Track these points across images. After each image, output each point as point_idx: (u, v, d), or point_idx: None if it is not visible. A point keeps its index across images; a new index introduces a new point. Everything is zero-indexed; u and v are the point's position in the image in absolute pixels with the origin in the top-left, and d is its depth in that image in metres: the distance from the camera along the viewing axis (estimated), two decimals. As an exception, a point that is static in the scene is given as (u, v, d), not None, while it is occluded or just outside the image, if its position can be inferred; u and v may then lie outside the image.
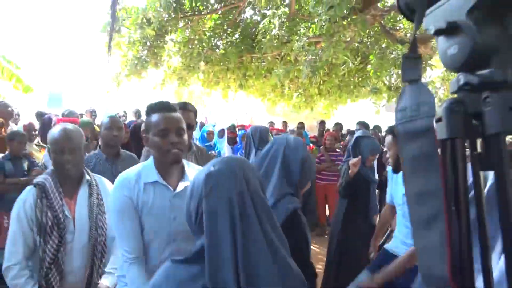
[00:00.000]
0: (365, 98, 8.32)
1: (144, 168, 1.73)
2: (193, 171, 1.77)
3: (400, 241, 2.47)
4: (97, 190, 2.02)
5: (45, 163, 3.75)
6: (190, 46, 6.88)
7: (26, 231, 1.81)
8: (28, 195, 1.88)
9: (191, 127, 2.43)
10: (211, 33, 7.17)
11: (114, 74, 6.58)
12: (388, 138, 2.58)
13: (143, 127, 4.81)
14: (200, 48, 6.82)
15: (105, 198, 2.03)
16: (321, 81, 7.16)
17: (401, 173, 2.53)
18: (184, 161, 1.81)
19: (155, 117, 1.69)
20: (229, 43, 7.00)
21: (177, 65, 7.30)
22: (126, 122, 5.65)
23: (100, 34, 6.00)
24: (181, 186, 1.70)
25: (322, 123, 7.15)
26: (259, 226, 0.93)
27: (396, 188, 2.64)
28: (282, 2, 6.60)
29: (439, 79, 7.71)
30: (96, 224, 1.95)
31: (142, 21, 5.80)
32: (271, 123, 8.31)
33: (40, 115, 5.04)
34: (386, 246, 2.64)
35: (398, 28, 7.54)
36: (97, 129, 4.54)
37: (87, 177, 2.02)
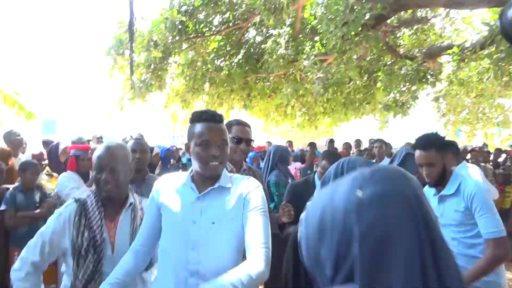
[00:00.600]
0: (368, 114, 8.31)
1: (180, 174, 1.72)
2: (227, 178, 1.65)
3: None
4: (142, 215, 1.85)
5: (58, 193, 3.54)
6: (193, 68, 6.81)
7: (46, 242, 1.67)
8: (65, 210, 1.75)
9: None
10: (215, 55, 7.11)
11: (117, 98, 6.44)
12: (432, 153, 2.26)
13: (155, 151, 4.61)
14: (204, 69, 6.75)
15: None
16: (326, 99, 7.11)
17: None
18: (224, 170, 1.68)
19: (198, 126, 1.59)
20: (233, 64, 6.94)
21: (180, 88, 7.21)
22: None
23: (104, 58, 5.89)
24: (208, 189, 1.58)
25: (331, 141, 7.07)
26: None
27: None
28: (286, 21, 6.59)
29: (441, 94, 7.73)
30: None
31: (148, 44, 5.71)
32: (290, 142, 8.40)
33: (46, 143, 4.85)
34: None
35: (399, 44, 7.60)
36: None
37: (132, 199, 1.85)
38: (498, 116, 7.57)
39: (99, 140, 5.91)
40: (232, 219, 1.56)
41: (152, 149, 4.98)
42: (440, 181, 2.27)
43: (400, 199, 0.70)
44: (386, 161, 5.47)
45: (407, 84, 5.58)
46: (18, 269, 1.64)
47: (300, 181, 2.89)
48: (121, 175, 1.79)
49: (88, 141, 5.28)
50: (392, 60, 7.00)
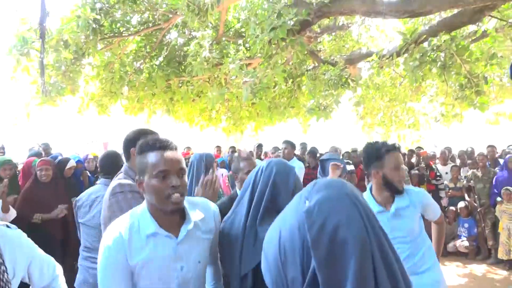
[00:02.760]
0: (292, 118, 8.43)
1: (139, 218, 1.46)
2: (196, 211, 1.56)
3: None
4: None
5: None
6: (110, 70, 6.33)
7: None
8: None
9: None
10: (134, 56, 6.69)
11: (22, 104, 5.74)
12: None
13: (70, 164, 4.17)
14: (122, 72, 6.30)
15: (15, 254, 1.49)
16: (252, 103, 7.06)
17: None
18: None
19: (149, 155, 1.43)
20: (153, 67, 6.58)
21: (95, 91, 6.66)
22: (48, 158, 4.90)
23: (4, 59, 5.19)
24: (183, 231, 1.48)
25: (259, 146, 7.03)
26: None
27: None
28: (209, 24, 6.41)
29: (359, 98, 8.10)
30: None
31: (57, 44, 5.15)
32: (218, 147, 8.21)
33: None
34: None
35: (319, 49, 7.82)
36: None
37: None
38: (409, 118, 8.12)
39: (1, 151, 5.21)
40: (210, 253, 1.63)
41: (67, 160, 4.49)
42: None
43: (343, 199, 0.75)
44: (293, 161, 5.65)
45: (331, 89, 5.70)
46: None
47: (224, 200, 2.75)
48: None
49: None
50: (314, 65, 7.17)
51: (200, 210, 1.59)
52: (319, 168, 4.06)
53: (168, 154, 1.43)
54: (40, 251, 1.65)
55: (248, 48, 6.31)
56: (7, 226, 1.55)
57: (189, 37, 6.75)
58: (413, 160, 7.42)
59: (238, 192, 2.74)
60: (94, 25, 5.41)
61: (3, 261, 1.42)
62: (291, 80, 6.86)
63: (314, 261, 0.70)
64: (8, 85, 5.79)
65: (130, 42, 6.57)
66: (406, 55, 5.12)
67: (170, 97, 6.92)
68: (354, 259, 0.68)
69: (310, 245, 0.71)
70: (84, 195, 2.97)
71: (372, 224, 0.74)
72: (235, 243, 1.65)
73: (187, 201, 1.56)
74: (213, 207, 1.69)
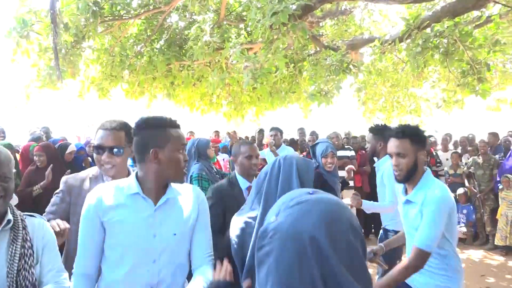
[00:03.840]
0: (293, 103, 8.41)
1: (124, 181, 1.61)
2: (177, 189, 1.66)
3: None
4: (26, 236, 1.49)
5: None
6: (111, 54, 6.29)
7: None
8: None
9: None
10: (134, 40, 6.64)
11: (22, 86, 5.73)
12: (405, 143, 2.16)
13: (70, 148, 4.22)
14: (123, 55, 6.27)
15: (38, 241, 1.54)
16: (253, 88, 7.02)
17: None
18: None
19: (175, 132, 1.63)
20: (154, 50, 6.54)
21: (96, 75, 6.64)
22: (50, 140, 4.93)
23: (4, 40, 5.16)
24: (163, 199, 1.57)
25: (261, 131, 7.04)
26: None
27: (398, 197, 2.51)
28: (211, 7, 6.35)
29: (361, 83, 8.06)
30: (17, 282, 1.41)
31: (57, 26, 5.11)
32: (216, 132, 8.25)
33: None
34: None
35: (321, 34, 7.75)
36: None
37: (10, 216, 1.48)
38: (410, 104, 8.10)
39: (1, 135, 5.22)
40: (189, 230, 1.62)
41: (67, 145, 4.52)
42: (408, 177, 2.19)
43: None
44: (282, 148, 5.73)
45: (332, 74, 5.67)
46: None
47: (223, 182, 2.80)
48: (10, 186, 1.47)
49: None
50: (316, 50, 7.11)
51: (181, 189, 1.68)
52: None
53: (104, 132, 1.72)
54: (56, 247, 1.66)
55: (250, 33, 6.26)
56: (31, 216, 1.61)
57: (190, 20, 6.68)
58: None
59: (237, 174, 2.79)
60: (94, 8, 5.35)
61: (31, 245, 1.48)
62: (292, 65, 6.81)
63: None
64: (8, 68, 5.77)
65: (131, 25, 6.50)
66: (408, 41, 5.08)
67: (170, 81, 6.89)
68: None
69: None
70: None
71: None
72: (248, 238, 1.68)
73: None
74: (196, 189, 1.75)
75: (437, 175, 6.82)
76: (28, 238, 1.49)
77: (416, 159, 2.14)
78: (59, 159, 4.22)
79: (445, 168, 6.93)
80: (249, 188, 2.72)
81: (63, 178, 2.07)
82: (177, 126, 1.61)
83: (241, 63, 5.19)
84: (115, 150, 1.94)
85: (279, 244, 0.75)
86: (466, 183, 6.77)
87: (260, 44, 5.53)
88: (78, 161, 4.67)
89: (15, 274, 1.39)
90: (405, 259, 2.09)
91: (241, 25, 7.04)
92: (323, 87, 6.14)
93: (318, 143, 3.78)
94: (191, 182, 3.82)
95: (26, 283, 1.41)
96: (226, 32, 6.37)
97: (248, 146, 2.80)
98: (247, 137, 9.11)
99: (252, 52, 5.85)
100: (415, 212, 2.15)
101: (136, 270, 1.52)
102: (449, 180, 6.84)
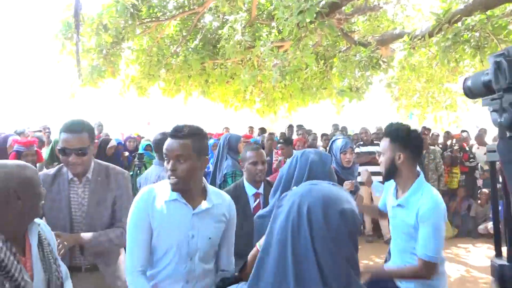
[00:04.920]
0: (325, 99, 8.45)
1: (165, 186, 1.75)
2: (215, 197, 1.82)
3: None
4: (44, 235, 1.64)
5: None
6: (148, 54, 6.63)
7: None
8: None
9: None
10: (170, 40, 6.95)
11: (68, 85, 6.17)
12: (385, 142, 2.21)
13: (111, 143, 4.54)
14: (160, 55, 6.59)
15: (48, 237, 1.68)
16: (284, 85, 7.16)
17: (391, 183, 2.37)
18: (204, 181, 1.84)
19: (166, 142, 1.73)
20: (189, 50, 6.81)
21: (135, 74, 7.01)
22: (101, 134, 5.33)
23: (52, 42, 5.58)
24: (202, 206, 1.74)
25: (290, 127, 7.17)
26: None
27: (388, 199, 2.42)
28: (243, 7, 6.53)
29: (395, 79, 7.98)
30: (54, 275, 1.59)
31: (98, 28, 5.48)
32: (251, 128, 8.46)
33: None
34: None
35: (353, 30, 7.74)
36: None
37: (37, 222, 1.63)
38: (446, 100, 7.92)
39: (46, 130, 5.65)
40: (220, 235, 1.81)
41: (108, 141, 4.86)
42: (386, 175, 2.24)
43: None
44: None
45: (361, 70, 5.70)
46: None
47: (230, 188, 2.79)
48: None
49: (39, 131, 5.05)
50: (347, 47, 7.13)
51: (218, 197, 1.84)
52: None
53: (169, 142, 1.69)
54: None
55: (280, 31, 6.39)
56: None
57: (223, 20, 6.90)
58: (449, 142, 7.31)
59: (244, 180, 2.76)
60: (132, 10, 5.68)
61: (48, 243, 1.65)
62: (322, 61, 6.88)
63: None
64: (54, 68, 6.21)
65: (167, 27, 6.81)
66: (439, 35, 5.03)
67: (205, 79, 7.15)
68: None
69: None
70: (148, 175, 3.30)
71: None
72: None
73: (210, 187, 1.85)
74: (228, 198, 1.90)
75: (470, 170, 6.69)
76: (46, 237, 1.64)
77: (394, 158, 2.15)
78: (100, 153, 4.56)
79: (480, 164, 6.76)
80: (255, 195, 2.71)
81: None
82: (171, 136, 1.72)
83: (270, 61, 5.34)
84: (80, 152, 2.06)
85: (287, 208, 0.92)
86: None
87: (290, 41, 5.65)
88: (117, 155, 4.99)
89: (51, 269, 1.57)
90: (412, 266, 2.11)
91: (273, 24, 7.18)
92: (353, 83, 6.18)
93: (337, 138, 3.81)
94: (225, 180, 3.84)
95: (57, 274, 1.60)
96: (257, 31, 6.54)
97: (254, 152, 2.73)
98: (282, 133, 9.23)
99: (283, 50, 5.98)
100: (405, 217, 2.14)
101: (175, 266, 1.70)
102: (483, 175, 6.68)
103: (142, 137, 6.86)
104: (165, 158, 1.69)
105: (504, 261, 0.90)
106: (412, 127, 2.22)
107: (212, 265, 1.83)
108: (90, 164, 2.20)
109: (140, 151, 4.94)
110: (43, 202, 1.59)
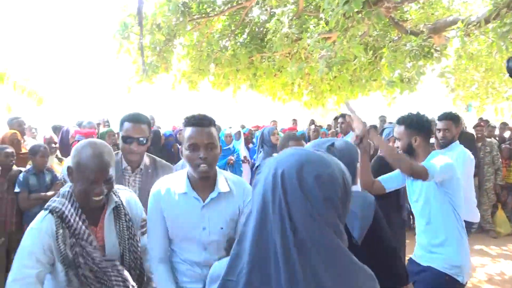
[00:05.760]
0: (376, 91, 8.25)
1: (177, 178, 1.79)
2: (225, 185, 1.78)
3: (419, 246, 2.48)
4: (125, 210, 1.75)
5: (64, 177, 3.71)
6: (199, 49, 6.84)
7: (41, 259, 1.50)
8: (42, 224, 1.54)
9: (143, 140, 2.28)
10: (219, 35, 7.12)
11: (125, 81, 6.55)
12: (400, 128, 2.48)
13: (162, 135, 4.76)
14: (209, 50, 6.78)
15: (134, 213, 1.82)
16: (332, 77, 7.08)
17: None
18: (218, 170, 1.82)
19: (187, 131, 1.71)
20: (238, 44, 6.95)
21: (186, 69, 7.27)
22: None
23: (112, 41, 5.96)
24: (209, 197, 1.74)
25: (336, 119, 7.12)
26: None
27: (412, 184, 2.53)
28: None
29: (450, 69, 7.62)
30: (129, 249, 1.71)
31: (152, 27, 5.76)
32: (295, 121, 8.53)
33: (56, 129, 5.01)
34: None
35: (406, 19, 7.47)
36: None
37: (114, 198, 1.73)
38: (507, 90, 7.45)
39: (106, 124, 6.03)
40: (235, 222, 1.78)
41: (158, 132, 5.13)
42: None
43: None
44: (350, 135, 5.63)
45: (412, 60, 5.52)
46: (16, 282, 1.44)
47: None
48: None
49: (98, 124, 5.42)
50: (399, 36, 6.92)
51: (230, 184, 1.80)
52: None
53: (199, 129, 1.69)
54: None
55: (327, 22, 6.33)
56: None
57: (271, 13, 6.96)
58: (506, 134, 6.89)
59: None
60: (183, 8, 5.91)
61: (129, 218, 1.78)
62: (371, 52, 6.72)
63: None
64: (112, 65, 6.61)
65: (216, 22, 6.99)
66: (496, 20, 4.76)
67: (253, 73, 7.26)
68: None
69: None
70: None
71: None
72: None
73: (222, 174, 1.83)
74: (246, 186, 1.86)
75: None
76: (127, 212, 1.75)
77: (411, 142, 2.43)
78: (152, 144, 4.83)
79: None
80: None
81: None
82: (194, 125, 1.72)
83: (317, 53, 5.33)
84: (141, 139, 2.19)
85: (265, 173, 0.89)
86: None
87: (337, 33, 5.59)
88: (168, 146, 5.26)
89: (125, 244, 1.70)
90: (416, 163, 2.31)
91: (321, 15, 7.12)
92: (404, 74, 6.00)
93: (385, 128, 3.84)
94: (254, 173, 3.92)
95: (133, 248, 1.74)
96: (305, 23, 6.52)
97: (294, 142, 2.79)
98: (329, 125, 9.15)
99: (330, 41, 5.93)
100: (419, 186, 2.41)
101: (192, 256, 1.77)
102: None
103: None
104: (189, 148, 1.69)
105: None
106: (421, 113, 2.48)
107: None
108: (144, 155, 2.33)
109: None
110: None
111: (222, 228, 1.73)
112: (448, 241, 2.27)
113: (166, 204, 1.75)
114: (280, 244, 0.81)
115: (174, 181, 1.78)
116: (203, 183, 1.74)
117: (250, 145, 6.80)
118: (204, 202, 1.72)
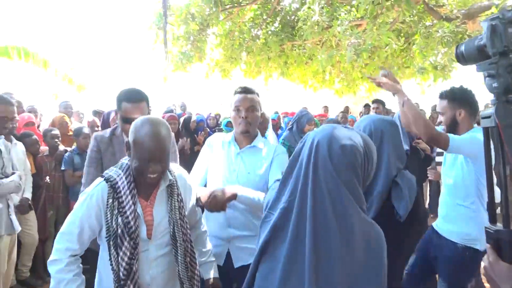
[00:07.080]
0: (409, 78, 8.15)
1: (227, 134, 2.18)
2: (261, 141, 2.12)
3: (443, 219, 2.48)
4: (178, 191, 1.71)
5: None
6: (231, 38, 7.02)
7: (85, 228, 1.55)
8: (96, 190, 1.57)
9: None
10: (251, 24, 7.26)
11: (161, 69, 6.85)
12: (443, 103, 2.39)
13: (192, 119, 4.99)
14: (241, 39, 6.95)
15: (185, 194, 1.78)
16: (364, 64, 7.08)
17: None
18: (259, 135, 2.15)
19: (234, 97, 2.07)
20: (269, 33, 7.07)
21: (219, 58, 7.48)
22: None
23: (147, 32, 6.25)
24: (246, 147, 2.07)
25: (366, 106, 7.11)
26: None
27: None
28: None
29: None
30: (180, 229, 1.67)
31: (186, 17, 5.99)
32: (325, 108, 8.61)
33: (96, 113, 5.36)
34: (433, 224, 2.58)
35: (442, 4, 7.30)
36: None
37: (169, 176, 1.69)
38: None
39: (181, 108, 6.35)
40: (263, 171, 2.03)
41: (190, 118, 5.40)
42: (448, 131, 2.35)
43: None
44: None
45: (444, 46, 5.45)
46: (56, 260, 1.52)
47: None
48: (166, 161, 1.61)
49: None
50: (433, 22, 6.79)
51: (266, 144, 2.15)
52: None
53: (243, 95, 2.04)
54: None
55: (358, 10, 6.33)
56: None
57: (302, 2, 7.01)
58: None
59: None
60: (216, -2, 6.10)
61: (182, 198, 1.74)
62: (403, 38, 6.66)
63: None
64: (148, 55, 6.90)
65: (248, 11, 7.12)
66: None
67: (284, 61, 7.37)
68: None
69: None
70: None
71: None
72: None
73: (261, 138, 2.17)
74: (277, 146, 2.17)
75: None
76: (180, 192, 1.72)
77: (454, 115, 2.35)
78: (185, 128, 5.11)
79: None
80: None
81: (94, 134, 2.34)
82: (240, 92, 2.06)
83: (346, 40, 5.37)
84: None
85: (307, 142, 1.17)
86: None
87: (367, 20, 5.61)
88: (199, 130, 5.53)
89: (176, 222, 1.66)
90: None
91: (353, 2, 7.10)
92: (437, 61, 5.93)
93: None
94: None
95: (183, 229, 1.71)
96: (336, 10, 6.54)
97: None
98: (360, 113, 9.12)
99: (361, 28, 5.94)
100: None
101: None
102: None
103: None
104: (235, 110, 2.04)
105: (499, 227, 0.95)
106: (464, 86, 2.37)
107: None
108: None
109: (222, 126, 5.49)
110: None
111: (249, 173, 2.01)
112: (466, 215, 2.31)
113: (214, 149, 2.12)
114: (302, 182, 1.11)
115: (225, 136, 2.17)
116: (244, 138, 2.07)
117: (279, 131, 6.95)
118: (240, 149, 2.07)
